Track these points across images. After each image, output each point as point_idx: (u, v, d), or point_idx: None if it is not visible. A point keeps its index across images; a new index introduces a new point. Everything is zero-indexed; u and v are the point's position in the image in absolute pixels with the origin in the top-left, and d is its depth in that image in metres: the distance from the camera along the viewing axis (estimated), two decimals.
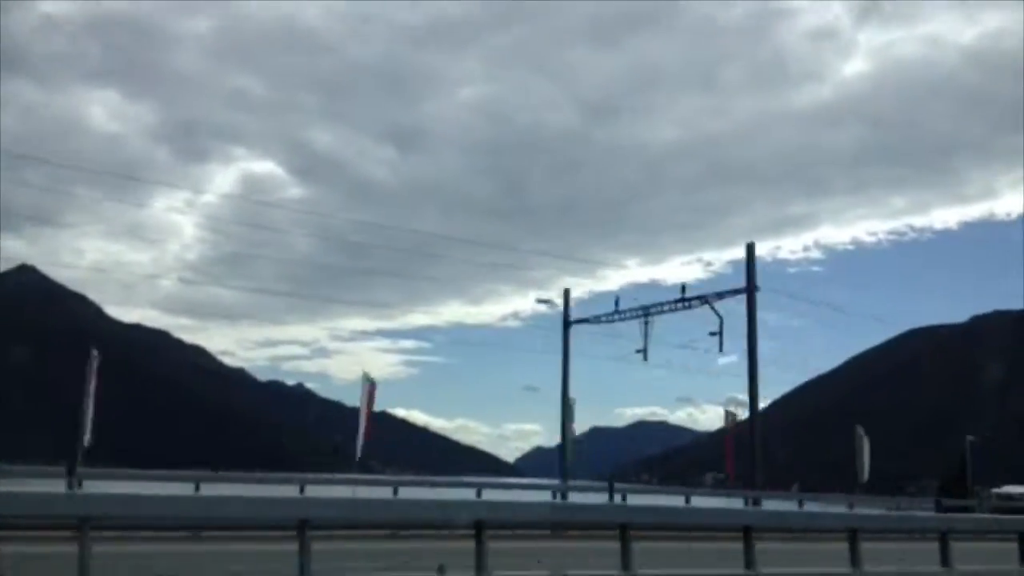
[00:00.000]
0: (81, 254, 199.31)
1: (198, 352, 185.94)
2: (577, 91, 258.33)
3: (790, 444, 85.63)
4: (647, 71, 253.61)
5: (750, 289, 31.93)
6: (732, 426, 33.90)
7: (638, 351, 35.76)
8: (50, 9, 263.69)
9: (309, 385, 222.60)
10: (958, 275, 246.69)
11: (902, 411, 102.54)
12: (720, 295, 34.11)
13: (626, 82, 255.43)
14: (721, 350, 33.50)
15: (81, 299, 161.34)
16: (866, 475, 31.96)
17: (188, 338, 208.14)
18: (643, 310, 35.24)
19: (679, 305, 34.74)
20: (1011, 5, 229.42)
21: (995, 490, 32.36)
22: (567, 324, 37.42)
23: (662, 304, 35.26)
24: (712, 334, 33.36)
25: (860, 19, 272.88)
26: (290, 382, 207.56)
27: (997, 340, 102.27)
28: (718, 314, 33.19)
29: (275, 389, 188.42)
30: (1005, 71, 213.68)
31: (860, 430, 33.14)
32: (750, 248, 33.66)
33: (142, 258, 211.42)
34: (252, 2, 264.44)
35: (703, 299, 34.18)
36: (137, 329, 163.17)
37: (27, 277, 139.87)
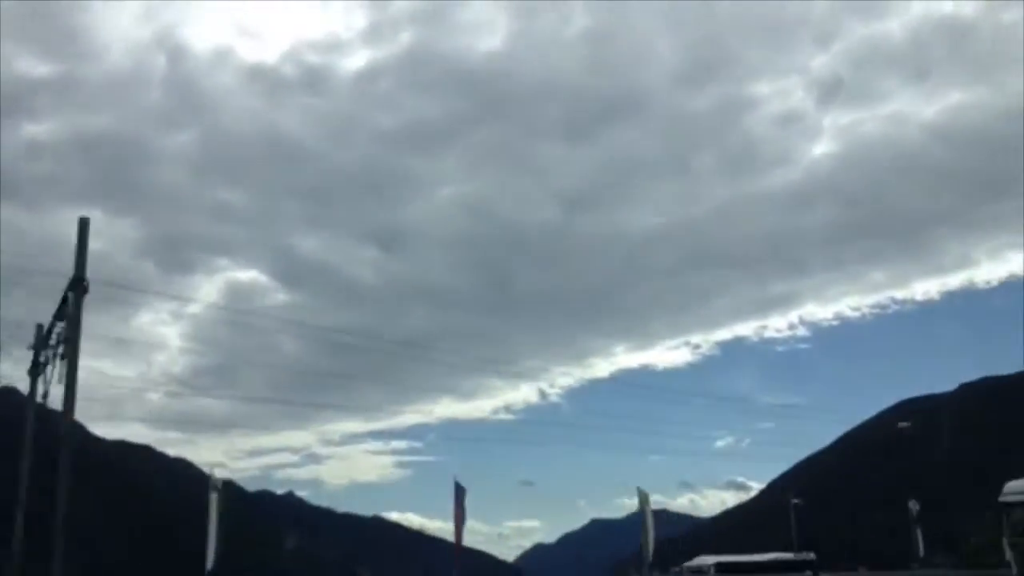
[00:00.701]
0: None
1: (184, 465, 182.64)
2: (556, 185, 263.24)
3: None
4: (622, 162, 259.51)
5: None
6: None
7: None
8: (36, 131, 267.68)
9: (300, 493, 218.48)
10: (943, 344, 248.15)
11: (899, 486, 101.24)
12: None
13: (603, 174, 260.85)
14: None
15: (62, 416, 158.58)
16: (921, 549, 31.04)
17: (173, 451, 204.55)
18: None
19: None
20: (967, 82, 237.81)
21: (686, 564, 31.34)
22: None
23: None
24: None
25: (823, 102, 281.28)
26: (280, 491, 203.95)
27: (990, 405, 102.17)
28: None
29: (266, 499, 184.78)
30: (969, 144, 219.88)
31: (913, 505, 32.19)
32: None
33: (128, 372, 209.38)
34: (234, 115, 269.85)
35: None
36: (121, 445, 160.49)
37: (9, 398, 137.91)
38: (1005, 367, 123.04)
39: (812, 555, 30.11)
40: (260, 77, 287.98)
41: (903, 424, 74.04)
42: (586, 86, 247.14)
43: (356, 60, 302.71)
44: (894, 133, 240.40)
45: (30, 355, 23.09)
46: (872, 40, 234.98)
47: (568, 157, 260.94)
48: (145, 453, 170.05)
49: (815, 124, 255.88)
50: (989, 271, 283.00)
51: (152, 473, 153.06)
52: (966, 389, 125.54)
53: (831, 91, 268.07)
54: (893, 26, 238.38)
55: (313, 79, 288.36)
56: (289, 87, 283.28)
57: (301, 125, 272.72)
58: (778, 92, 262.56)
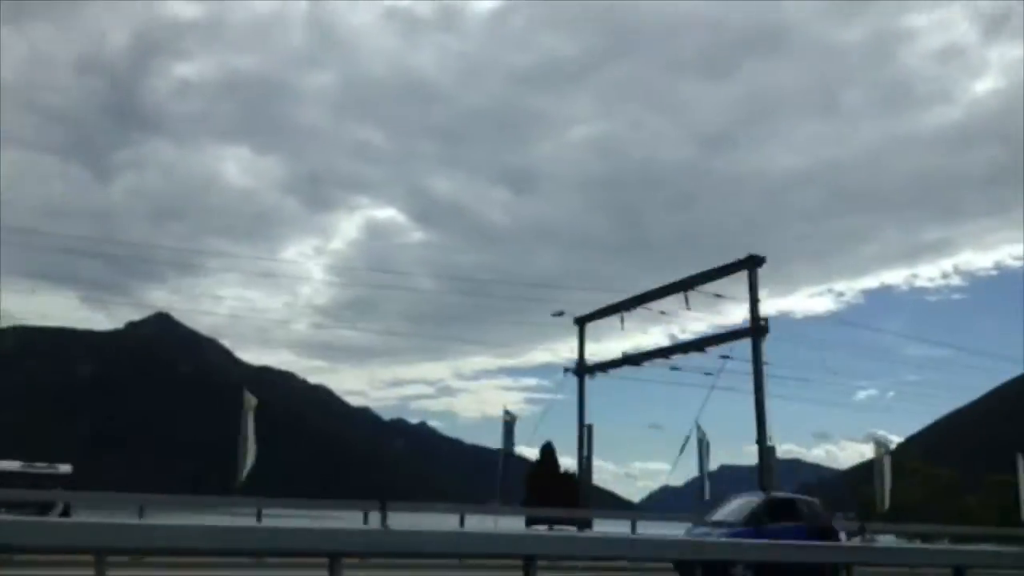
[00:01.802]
0: (219, 301, 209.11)
1: (324, 392, 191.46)
2: (692, 123, 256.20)
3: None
4: (764, 99, 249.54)
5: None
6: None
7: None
8: (185, 72, 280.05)
9: (432, 423, 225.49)
10: None
11: None
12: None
13: (743, 111, 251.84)
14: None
15: (212, 344, 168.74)
16: None
17: (315, 379, 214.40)
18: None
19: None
20: None
21: None
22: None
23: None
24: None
25: (988, 35, 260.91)
26: (414, 420, 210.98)
27: None
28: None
29: (399, 427, 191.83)
30: None
31: (1022, 459, 30.92)
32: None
33: (276, 303, 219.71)
34: (371, 55, 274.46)
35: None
36: (266, 371, 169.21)
37: (162, 324, 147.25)
38: None
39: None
40: (396, 16, 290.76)
41: None
42: (725, 18, 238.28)
43: None
44: None
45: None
46: None
47: (706, 93, 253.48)
48: (288, 379, 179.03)
49: (979, 59, 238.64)
50: None
51: (292, 398, 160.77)
52: None
53: (998, 22, 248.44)
54: None
55: (447, 18, 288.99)
56: (424, 26, 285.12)
57: (435, 65, 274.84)
58: (938, 23, 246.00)
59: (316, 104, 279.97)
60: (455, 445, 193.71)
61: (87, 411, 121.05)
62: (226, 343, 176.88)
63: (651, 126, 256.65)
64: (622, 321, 34.05)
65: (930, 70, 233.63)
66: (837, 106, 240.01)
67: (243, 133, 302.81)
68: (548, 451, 37.98)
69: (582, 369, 34.99)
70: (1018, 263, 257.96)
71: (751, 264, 29.92)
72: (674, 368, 32.11)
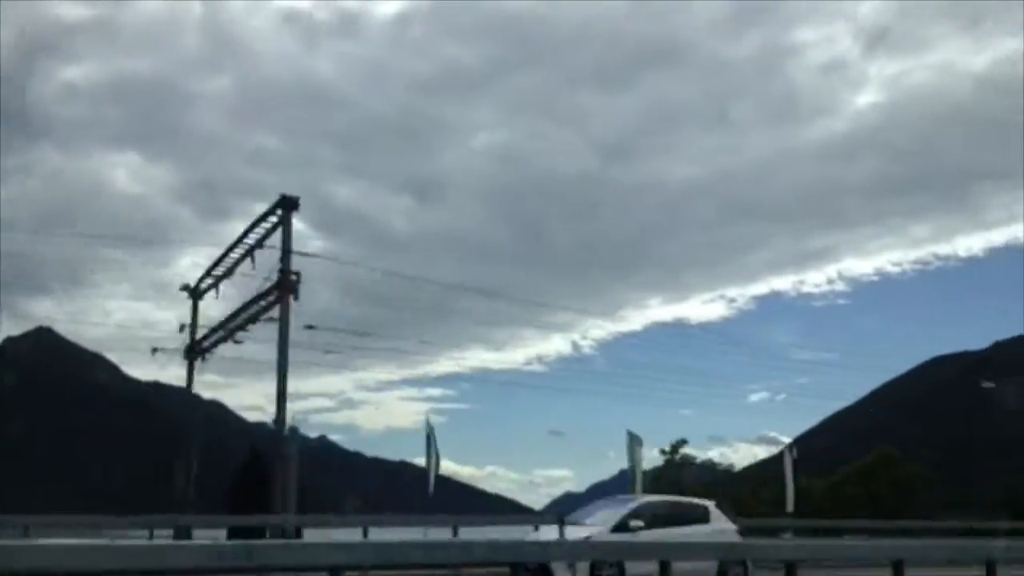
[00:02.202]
0: (108, 314, 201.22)
1: (217, 407, 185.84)
2: (592, 133, 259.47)
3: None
4: (660, 111, 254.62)
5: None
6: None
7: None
8: (71, 75, 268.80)
9: (333, 437, 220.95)
10: (984, 302, 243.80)
11: (926, 442, 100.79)
12: None
13: (640, 122, 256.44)
14: None
15: (98, 358, 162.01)
16: None
17: (208, 394, 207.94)
18: None
19: None
20: (1020, 30, 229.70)
21: None
22: None
23: None
24: None
25: (869, 50, 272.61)
26: (313, 435, 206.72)
27: (1019, 366, 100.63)
28: None
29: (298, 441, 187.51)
30: (1020, 96, 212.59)
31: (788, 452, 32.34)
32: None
33: (168, 316, 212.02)
34: (267, 59, 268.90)
35: None
36: (155, 387, 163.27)
37: (44, 338, 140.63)
38: None
39: None
40: (294, 20, 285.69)
41: (987, 384, 72.05)
42: (623, 31, 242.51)
43: (390, 5, 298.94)
44: (942, 83, 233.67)
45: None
46: None
47: (605, 105, 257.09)
48: (180, 395, 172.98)
49: (861, 73, 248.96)
50: None
51: (180, 413, 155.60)
52: (999, 347, 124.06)
53: (878, 38, 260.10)
54: None
55: (346, 23, 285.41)
56: (323, 31, 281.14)
57: (335, 70, 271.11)
58: (823, 39, 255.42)
59: (210, 109, 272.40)
60: (354, 458, 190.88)
61: None
62: (113, 358, 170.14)
63: (552, 136, 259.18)
64: None
65: (815, 84, 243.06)
66: (729, 118, 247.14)
67: (133, 139, 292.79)
68: (256, 456, 36.76)
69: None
70: (896, 269, 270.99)
71: (285, 206, 30.83)
72: None
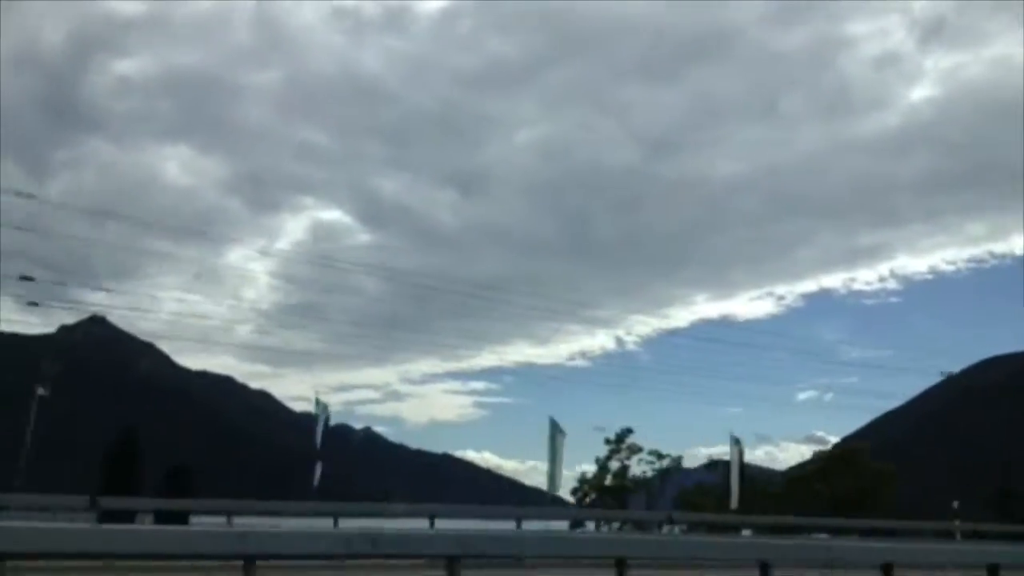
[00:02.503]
0: (159, 305, 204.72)
1: (263, 397, 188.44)
2: (636, 127, 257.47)
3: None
4: (706, 104, 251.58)
5: None
6: None
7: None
8: (125, 69, 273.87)
9: (378, 429, 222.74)
10: None
11: (985, 438, 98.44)
12: None
13: (685, 116, 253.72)
14: None
15: (149, 348, 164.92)
16: None
17: (257, 384, 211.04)
18: None
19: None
20: None
21: None
22: None
23: None
24: None
25: (924, 44, 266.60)
26: (358, 426, 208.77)
27: None
28: None
29: (341, 433, 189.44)
30: None
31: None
32: None
33: (219, 308, 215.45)
34: (315, 54, 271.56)
35: None
36: (204, 376, 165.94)
37: (97, 327, 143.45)
38: None
39: None
40: (342, 16, 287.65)
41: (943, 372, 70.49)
42: (668, 23, 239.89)
43: (435, 1, 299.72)
44: (998, 77, 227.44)
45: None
46: None
47: (649, 98, 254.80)
48: (226, 384, 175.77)
49: (915, 66, 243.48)
50: None
51: (229, 403, 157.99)
52: None
53: (933, 31, 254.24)
54: None
55: (393, 19, 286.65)
56: (370, 26, 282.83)
57: (382, 65, 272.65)
58: (876, 31, 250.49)
59: (260, 103, 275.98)
60: (398, 450, 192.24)
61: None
62: (164, 347, 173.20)
63: (596, 130, 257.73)
64: None
65: (868, 77, 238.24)
66: (777, 112, 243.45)
67: (184, 132, 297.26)
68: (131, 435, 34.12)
69: None
70: (951, 268, 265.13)
71: None
72: None
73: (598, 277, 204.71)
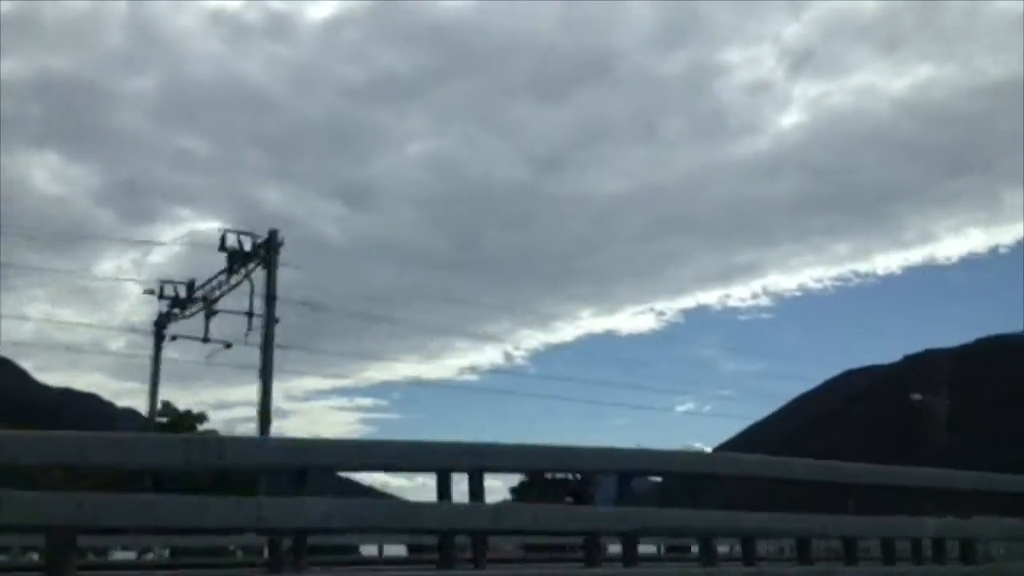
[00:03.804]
0: (25, 318, 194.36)
1: (130, 415, 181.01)
2: (525, 144, 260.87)
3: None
4: (592, 123, 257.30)
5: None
6: None
7: None
8: None
9: None
10: (898, 317, 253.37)
11: (843, 450, 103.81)
12: None
13: (572, 134, 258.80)
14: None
15: (7, 364, 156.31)
16: None
17: (125, 402, 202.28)
18: None
19: None
20: (935, 56, 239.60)
21: None
22: None
23: None
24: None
25: (792, 72, 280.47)
26: None
27: (932, 378, 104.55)
28: None
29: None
30: (935, 120, 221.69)
31: None
32: None
33: (89, 320, 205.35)
34: (194, 60, 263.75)
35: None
36: (66, 394, 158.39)
37: None
38: (950, 340, 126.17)
39: None
40: (222, 21, 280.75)
41: (915, 396, 74.30)
42: (557, 44, 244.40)
43: (322, 9, 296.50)
44: (862, 106, 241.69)
45: None
46: (843, 11, 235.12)
47: (538, 116, 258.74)
48: (90, 402, 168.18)
49: (785, 94, 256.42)
50: (950, 247, 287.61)
51: (93, 422, 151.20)
52: (910, 360, 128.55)
53: (802, 61, 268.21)
54: None
55: (277, 26, 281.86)
56: (252, 33, 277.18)
57: (265, 74, 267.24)
58: (749, 60, 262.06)
59: (134, 109, 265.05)
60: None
61: None
62: (25, 364, 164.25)
63: (486, 146, 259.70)
64: None
65: (741, 103, 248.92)
66: (658, 134, 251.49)
67: (54, 138, 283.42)
68: None
69: None
70: (818, 285, 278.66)
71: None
72: None
73: (487, 292, 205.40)
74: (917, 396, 73.71)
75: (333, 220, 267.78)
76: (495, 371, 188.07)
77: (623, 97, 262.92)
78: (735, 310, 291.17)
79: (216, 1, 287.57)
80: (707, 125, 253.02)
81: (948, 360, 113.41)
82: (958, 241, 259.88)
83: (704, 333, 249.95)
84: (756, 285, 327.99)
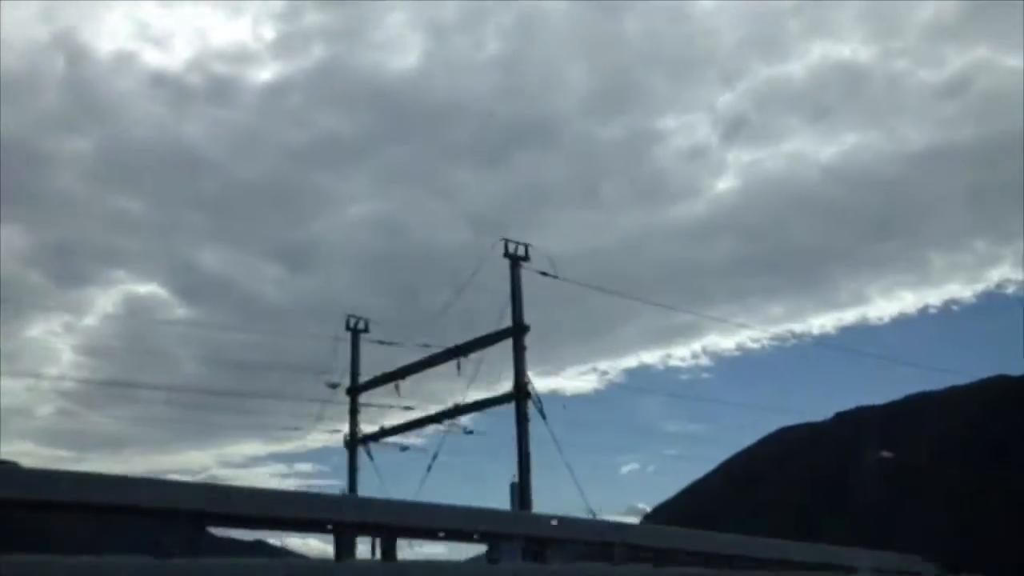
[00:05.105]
0: None
1: None
2: (467, 206, 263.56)
3: None
4: (533, 187, 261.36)
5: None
6: None
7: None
8: None
9: None
10: (832, 376, 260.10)
11: (777, 505, 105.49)
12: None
13: (514, 198, 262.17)
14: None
15: None
16: None
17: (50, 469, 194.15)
18: None
19: None
20: (861, 125, 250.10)
21: None
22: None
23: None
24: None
25: (727, 139, 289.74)
26: None
27: (860, 433, 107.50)
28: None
29: None
30: (863, 186, 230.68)
31: None
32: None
33: (16, 386, 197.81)
34: (135, 122, 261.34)
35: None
36: None
37: None
38: (880, 397, 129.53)
39: None
40: (163, 84, 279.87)
41: (885, 453, 76.49)
42: (498, 110, 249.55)
43: (265, 72, 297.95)
44: (793, 171, 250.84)
45: None
46: (774, 81, 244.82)
47: (479, 180, 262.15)
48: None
49: (719, 159, 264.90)
50: (881, 308, 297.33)
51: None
52: (840, 417, 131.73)
53: (735, 128, 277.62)
54: (795, 68, 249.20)
55: (219, 89, 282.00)
56: (194, 96, 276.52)
57: (205, 136, 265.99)
58: (685, 126, 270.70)
59: (69, 171, 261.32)
60: (207, 539, 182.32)
61: None
62: None
63: (428, 208, 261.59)
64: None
65: (679, 168, 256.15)
66: (599, 197, 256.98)
67: None
68: None
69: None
70: (756, 345, 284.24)
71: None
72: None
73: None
74: (887, 454, 76.18)
75: (271, 281, 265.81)
76: (440, 434, 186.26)
77: (564, 162, 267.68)
78: (677, 370, 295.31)
79: (158, 64, 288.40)
80: (647, 189, 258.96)
81: (876, 416, 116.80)
82: (889, 303, 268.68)
83: (647, 393, 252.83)
84: (696, 345, 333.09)
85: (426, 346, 41.06)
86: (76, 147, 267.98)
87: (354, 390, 35.10)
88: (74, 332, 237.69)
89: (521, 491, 29.28)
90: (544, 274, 37.82)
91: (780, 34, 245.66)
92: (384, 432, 34.88)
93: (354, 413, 35.37)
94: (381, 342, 37.71)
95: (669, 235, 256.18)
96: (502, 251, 37.93)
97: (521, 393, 30.71)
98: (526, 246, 38.14)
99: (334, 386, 35.50)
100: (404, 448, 33.19)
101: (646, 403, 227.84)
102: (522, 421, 30.02)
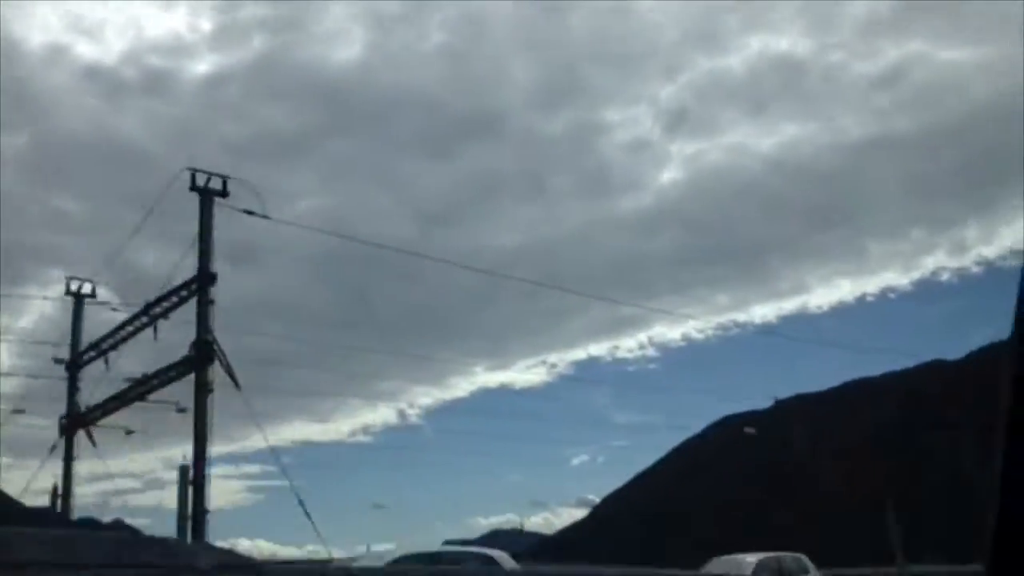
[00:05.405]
0: None
1: None
2: (413, 200, 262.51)
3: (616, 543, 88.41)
4: (480, 180, 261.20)
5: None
6: None
7: None
8: None
9: (136, 521, 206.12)
10: (773, 364, 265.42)
11: (720, 494, 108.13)
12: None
13: (461, 191, 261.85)
14: None
15: None
16: None
17: None
18: None
19: None
20: (800, 116, 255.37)
21: None
22: None
23: None
24: None
25: (669, 132, 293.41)
26: (107, 518, 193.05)
27: (798, 420, 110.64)
28: None
29: (89, 527, 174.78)
30: (803, 176, 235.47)
31: None
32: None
33: None
34: (69, 117, 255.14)
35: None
36: None
37: None
38: (818, 384, 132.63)
39: None
40: (97, 78, 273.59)
41: (748, 429, 79.16)
42: (443, 102, 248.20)
43: (202, 65, 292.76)
44: (735, 163, 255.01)
45: None
46: (715, 73, 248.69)
47: (426, 173, 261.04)
48: None
49: (663, 152, 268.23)
50: (821, 297, 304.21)
51: None
52: (780, 404, 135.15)
53: (677, 120, 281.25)
54: (734, 61, 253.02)
55: (155, 82, 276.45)
56: (129, 90, 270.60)
57: (142, 130, 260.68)
58: (628, 119, 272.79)
59: (3, 168, 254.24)
60: (151, 544, 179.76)
61: None
62: None
63: (374, 202, 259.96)
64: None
65: (623, 160, 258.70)
66: (546, 190, 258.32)
67: None
68: None
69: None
70: (701, 335, 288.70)
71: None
72: None
73: (379, 350, 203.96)
74: (751, 430, 79.31)
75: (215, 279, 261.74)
76: (389, 430, 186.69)
77: (510, 154, 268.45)
78: (624, 361, 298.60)
79: (91, 57, 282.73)
80: (592, 182, 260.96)
81: (813, 403, 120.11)
82: (828, 291, 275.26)
83: (596, 385, 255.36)
84: (643, 336, 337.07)
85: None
86: (8, 144, 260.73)
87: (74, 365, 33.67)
88: (10, 334, 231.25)
89: (196, 476, 26.02)
90: (250, 212, 31.56)
91: (720, 28, 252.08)
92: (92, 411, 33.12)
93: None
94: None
95: (615, 227, 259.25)
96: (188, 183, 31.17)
97: (203, 357, 27.52)
98: (224, 178, 32.34)
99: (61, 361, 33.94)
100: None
101: (595, 395, 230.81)
102: (202, 390, 27.18)
